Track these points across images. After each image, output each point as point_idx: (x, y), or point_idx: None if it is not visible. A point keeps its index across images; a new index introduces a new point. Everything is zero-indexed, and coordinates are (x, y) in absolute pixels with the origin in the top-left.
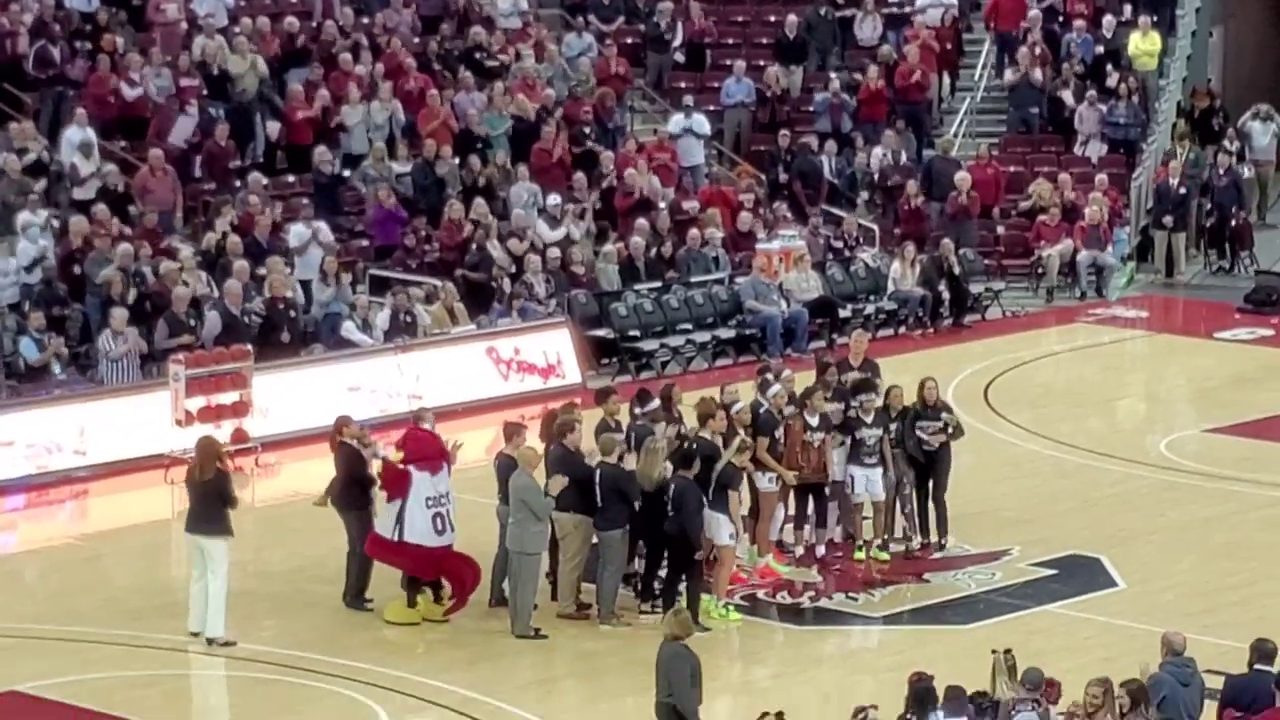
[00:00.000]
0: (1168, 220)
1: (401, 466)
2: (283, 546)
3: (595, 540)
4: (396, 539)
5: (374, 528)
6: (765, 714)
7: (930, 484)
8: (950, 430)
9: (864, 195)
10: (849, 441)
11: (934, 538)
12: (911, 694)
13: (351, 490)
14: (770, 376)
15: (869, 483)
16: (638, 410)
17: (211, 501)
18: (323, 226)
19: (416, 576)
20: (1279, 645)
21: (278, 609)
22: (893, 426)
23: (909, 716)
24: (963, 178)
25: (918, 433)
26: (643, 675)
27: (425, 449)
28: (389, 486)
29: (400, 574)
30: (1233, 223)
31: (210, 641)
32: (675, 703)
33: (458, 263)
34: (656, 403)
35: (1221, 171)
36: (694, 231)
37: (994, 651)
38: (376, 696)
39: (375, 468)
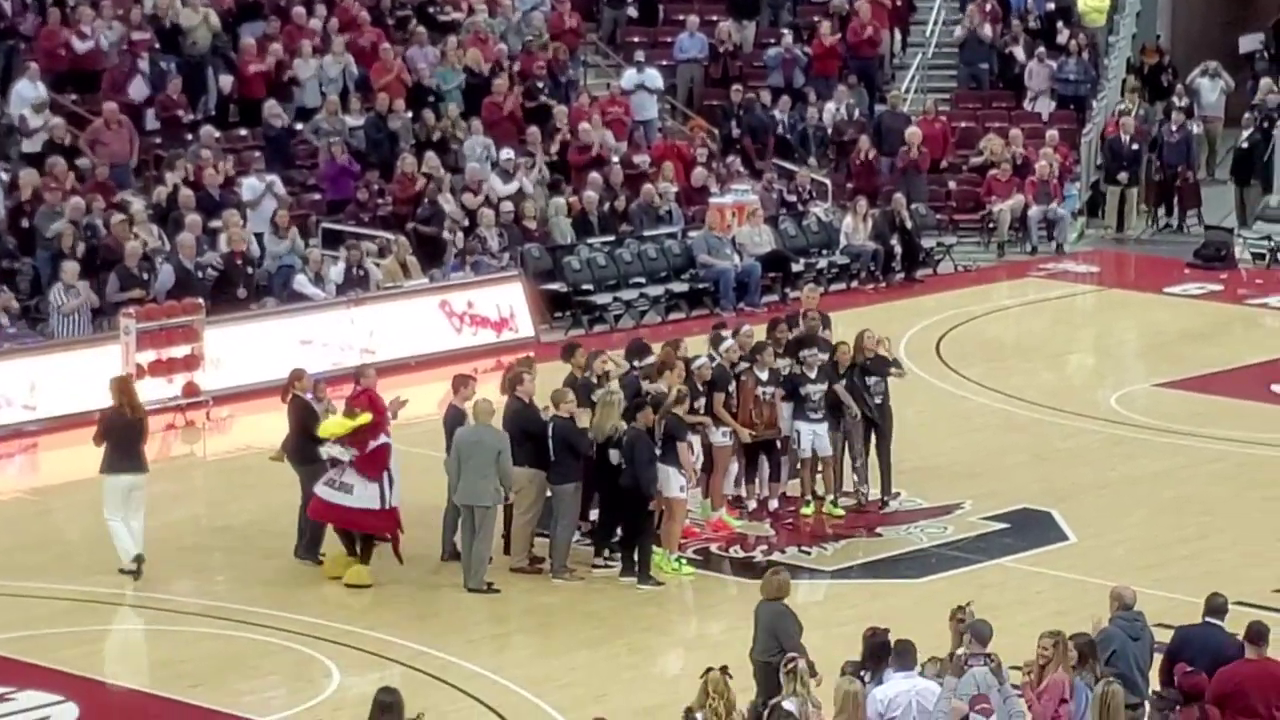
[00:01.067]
0: (1122, 176)
1: (376, 442)
2: (235, 500)
3: (549, 494)
4: (391, 506)
5: (356, 503)
6: (710, 669)
7: (875, 439)
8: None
9: (816, 150)
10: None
11: (878, 494)
12: (867, 649)
13: (304, 444)
14: (724, 333)
15: (815, 438)
16: (635, 363)
17: (139, 439)
18: (276, 180)
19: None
20: (1229, 599)
21: (230, 563)
22: (841, 382)
23: (863, 672)
24: (913, 132)
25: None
26: (595, 629)
27: (383, 407)
28: (371, 467)
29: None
30: (1178, 182)
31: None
32: (796, 657)
33: (410, 216)
34: (653, 356)
35: (1175, 129)
36: (647, 186)
37: (957, 608)
38: (329, 651)
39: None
